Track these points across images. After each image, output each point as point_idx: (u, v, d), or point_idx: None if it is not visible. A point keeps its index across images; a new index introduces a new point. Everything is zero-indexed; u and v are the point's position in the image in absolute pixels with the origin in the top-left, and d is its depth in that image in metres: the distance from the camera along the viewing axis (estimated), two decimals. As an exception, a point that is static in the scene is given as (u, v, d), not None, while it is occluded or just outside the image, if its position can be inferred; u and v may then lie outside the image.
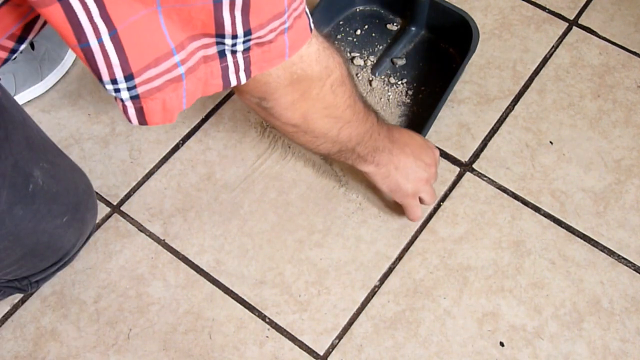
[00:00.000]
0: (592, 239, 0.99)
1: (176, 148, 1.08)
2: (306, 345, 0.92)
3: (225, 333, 0.93)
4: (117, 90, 0.53)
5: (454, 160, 1.06)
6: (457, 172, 1.04)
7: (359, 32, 1.17)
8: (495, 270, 0.97)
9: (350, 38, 1.16)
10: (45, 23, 0.58)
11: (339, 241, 0.99)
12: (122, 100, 0.54)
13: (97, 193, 1.03)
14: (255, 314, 0.94)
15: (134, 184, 1.05)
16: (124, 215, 1.02)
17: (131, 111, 0.55)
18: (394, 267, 0.97)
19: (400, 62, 1.13)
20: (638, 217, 1.00)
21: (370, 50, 1.15)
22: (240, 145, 1.07)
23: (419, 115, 1.08)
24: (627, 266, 0.97)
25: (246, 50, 0.56)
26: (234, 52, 0.56)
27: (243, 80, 0.59)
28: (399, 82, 1.11)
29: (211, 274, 0.97)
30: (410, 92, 1.10)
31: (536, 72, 1.14)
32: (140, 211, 1.02)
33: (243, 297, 0.95)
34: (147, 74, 0.52)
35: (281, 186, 1.03)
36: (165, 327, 0.94)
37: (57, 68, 1.12)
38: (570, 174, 1.04)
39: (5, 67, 1.07)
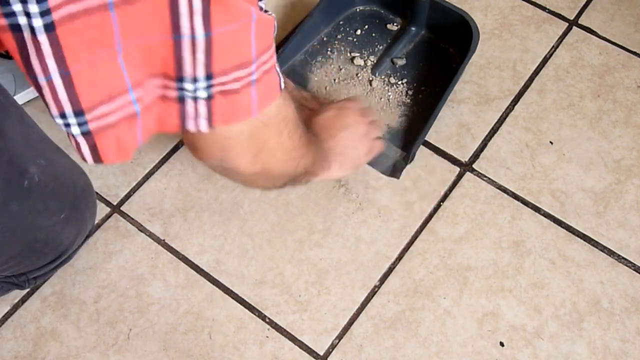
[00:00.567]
0: (592, 239, 0.99)
1: (176, 148, 1.08)
2: (306, 345, 0.92)
3: (225, 333, 0.93)
4: (67, 125, 0.52)
5: (454, 160, 1.06)
6: (457, 172, 1.04)
7: (359, 32, 1.17)
8: (495, 270, 0.97)
9: (350, 38, 1.16)
10: None
11: (339, 241, 0.99)
12: (73, 136, 0.53)
13: (97, 193, 1.03)
14: (255, 314, 0.94)
15: (134, 184, 1.05)
16: (124, 215, 1.02)
17: (85, 149, 0.54)
18: (394, 267, 0.97)
19: (401, 62, 1.13)
20: (638, 217, 1.00)
21: (370, 50, 1.15)
22: (240, 145, 1.07)
23: (419, 115, 1.08)
24: (627, 266, 0.97)
25: (209, 98, 0.54)
26: (195, 99, 0.54)
27: (203, 128, 0.56)
28: (399, 82, 1.11)
29: (211, 274, 0.97)
30: (410, 92, 1.10)
31: (536, 72, 1.14)
32: (140, 211, 1.02)
33: (243, 297, 0.95)
34: (99, 110, 0.51)
35: (281, 186, 1.03)
36: (165, 327, 0.94)
37: (57, 68, 1.12)
38: (570, 174, 1.04)
39: (5, 67, 1.07)
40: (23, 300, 0.96)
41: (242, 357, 0.91)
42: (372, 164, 1.03)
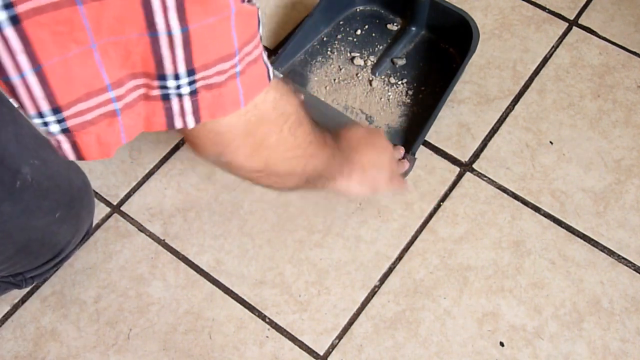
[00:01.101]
0: (592, 239, 0.99)
1: (176, 148, 1.08)
2: (306, 345, 0.92)
3: (225, 333, 0.93)
4: (46, 124, 0.51)
5: (454, 160, 1.06)
6: (457, 172, 1.04)
7: (359, 32, 1.17)
8: (495, 270, 0.97)
9: (350, 38, 1.16)
10: None
11: (339, 241, 0.99)
12: (52, 134, 0.52)
13: (97, 193, 1.03)
14: (255, 314, 0.94)
15: (134, 184, 1.05)
16: (124, 215, 1.02)
17: (66, 146, 0.53)
18: (394, 267, 0.97)
19: (401, 62, 1.13)
20: (638, 217, 1.00)
21: (371, 50, 1.15)
22: (240, 145, 1.07)
23: (419, 115, 1.08)
24: (627, 266, 0.97)
25: (193, 94, 0.53)
26: (179, 96, 0.53)
27: (191, 124, 0.56)
28: (399, 82, 1.11)
29: (211, 274, 0.97)
30: (410, 92, 1.10)
31: (536, 72, 1.14)
32: (140, 211, 1.02)
33: (243, 297, 0.95)
34: (77, 108, 0.50)
35: (281, 186, 1.03)
36: (165, 327, 0.94)
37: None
38: (570, 174, 1.04)
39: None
40: (23, 300, 0.96)
41: (242, 357, 0.91)
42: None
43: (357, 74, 1.13)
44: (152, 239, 1.00)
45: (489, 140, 1.07)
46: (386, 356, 0.91)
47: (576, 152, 1.06)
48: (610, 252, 0.98)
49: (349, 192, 0.88)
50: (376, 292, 0.96)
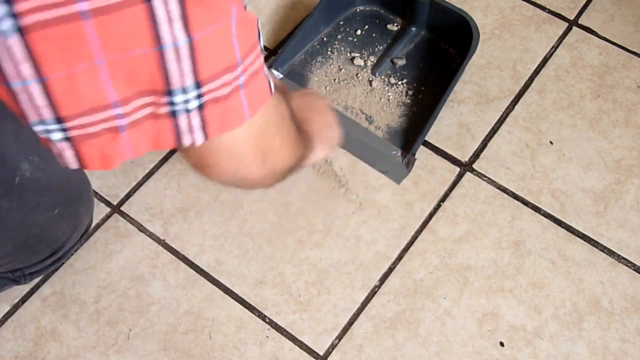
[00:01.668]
0: (592, 239, 0.99)
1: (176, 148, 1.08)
2: (306, 345, 0.92)
3: (225, 333, 0.93)
4: (48, 132, 0.51)
5: (454, 160, 1.06)
6: (457, 172, 1.04)
7: (359, 32, 1.17)
8: (495, 270, 0.97)
9: (350, 38, 1.16)
10: None
11: (339, 241, 0.99)
12: (55, 142, 0.52)
13: (97, 193, 1.03)
14: (255, 314, 0.94)
15: (134, 184, 1.05)
16: (124, 215, 1.02)
17: (68, 153, 0.53)
18: (394, 267, 0.97)
19: (401, 62, 1.13)
20: (638, 217, 1.00)
21: (371, 50, 1.15)
22: (240, 145, 1.07)
23: (419, 115, 1.08)
24: (627, 266, 0.97)
25: (200, 108, 0.53)
26: (187, 111, 0.53)
27: (200, 140, 0.55)
28: (399, 82, 1.11)
29: (211, 274, 0.97)
30: (410, 92, 1.10)
31: (536, 72, 1.14)
32: (140, 211, 1.02)
33: (243, 297, 0.95)
34: (80, 121, 0.50)
35: (281, 186, 1.03)
36: (165, 327, 0.94)
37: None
38: (570, 174, 1.04)
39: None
40: (23, 300, 0.96)
41: (242, 357, 0.91)
42: (384, 171, 1.03)
43: (357, 74, 1.13)
44: (152, 239, 1.00)
45: (489, 140, 1.07)
46: (386, 356, 0.91)
47: (576, 152, 1.06)
48: (610, 252, 0.98)
49: (316, 159, 0.88)
50: (376, 292, 0.96)
